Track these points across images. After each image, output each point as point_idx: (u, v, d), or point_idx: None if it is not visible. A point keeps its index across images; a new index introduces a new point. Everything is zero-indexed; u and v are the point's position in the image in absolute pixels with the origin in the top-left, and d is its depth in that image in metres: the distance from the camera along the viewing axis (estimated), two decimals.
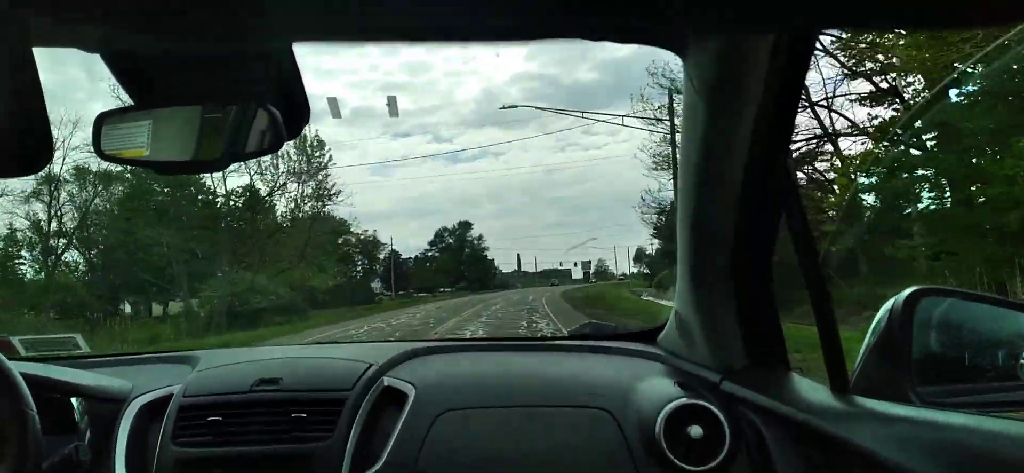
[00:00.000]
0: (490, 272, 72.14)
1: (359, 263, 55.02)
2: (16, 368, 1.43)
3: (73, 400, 1.69)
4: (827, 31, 1.04)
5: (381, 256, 59.69)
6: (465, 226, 71.56)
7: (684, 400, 1.56)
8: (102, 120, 0.91)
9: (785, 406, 1.40)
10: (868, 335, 1.30)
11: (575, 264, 75.34)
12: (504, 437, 1.63)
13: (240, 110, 0.88)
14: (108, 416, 1.73)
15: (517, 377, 1.86)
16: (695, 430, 1.52)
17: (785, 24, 1.00)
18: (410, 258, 66.55)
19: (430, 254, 70.50)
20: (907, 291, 1.28)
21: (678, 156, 1.50)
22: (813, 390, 1.38)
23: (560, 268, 77.32)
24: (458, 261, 69.59)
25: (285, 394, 1.71)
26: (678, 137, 1.54)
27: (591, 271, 77.24)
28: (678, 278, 1.72)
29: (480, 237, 72.42)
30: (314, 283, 29.73)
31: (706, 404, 1.54)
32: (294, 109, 0.90)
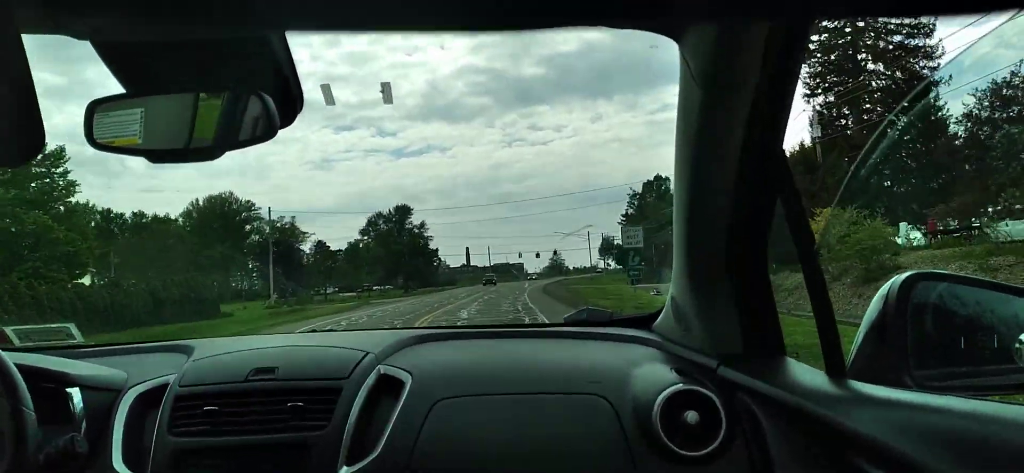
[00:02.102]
0: (432, 266, 62.32)
1: (278, 257, 47.30)
2: (11, 359, 1.43)
3: (69, 390, 1.69)
4: (822, 19, 1.03)
5: (305, 248, 51.70)
6: (403, 211, 61.73)
7: (680, 386, 1.56)
8: (94, 108, 0.90)
9: (781, 391, 1.41)
10: (864, 320, 1.30)
11: (538, 255, 70.24)
12: (500, 424, 1.63)
13: (233, 98, 0.88)
14: (104, 406, 1.73)
15: (513, 364, 1.86)
16: (691, 416, 1.53)
17: (780, 12, 0.99)
18: (338, 250, 57.54)
19: (362, 244, 60.27)
20: (903, 275, 1.28)
21: (674, 143, 1.49)
22: (809, 375, 1.38)
23: (513, 262, 70.68)
24: (394, 253, 58.94)
25: (281, 383, 1.70)
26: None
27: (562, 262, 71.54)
28: (674, 264, 1.72)
29: (422, 225, 62.69)
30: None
31: (702, 390, 1.55)
32: (288, 97, 0.90)
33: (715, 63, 1.23)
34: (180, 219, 47.39)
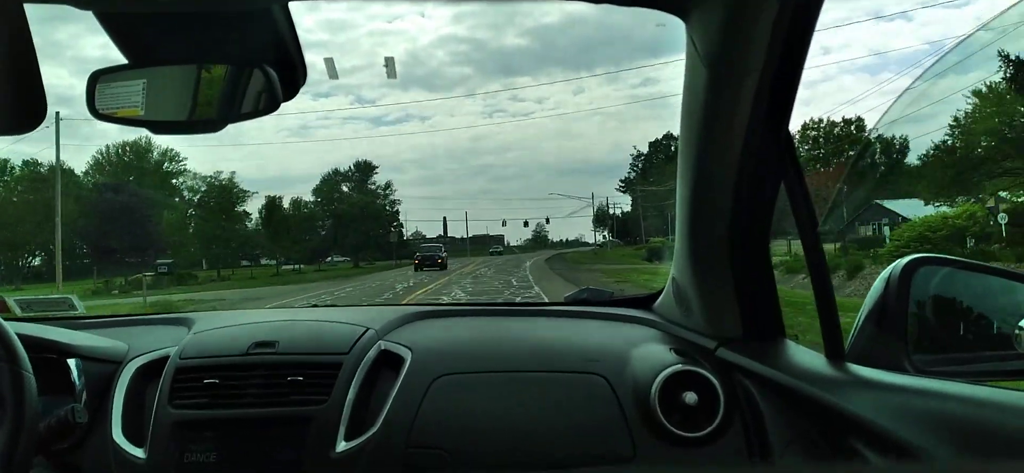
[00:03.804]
0: (389, 233, 49.07)
1: (220, 219, 38.44)
2: (12, 328, 1.43)
3: (69, 361, 1.69)
4: None
5: (249, 210, 41.71)
6: (365, 168, 51.33)
7: (679, 367, 1.56)
8: (96, 78, 0.90)
9: (780, 374, 1.41)
10: (865, 303, 1.30)
11: (526, 224, 63.03)
12: (499, 401, 1.64)
13: (236, 70, 0.87)
14: (104, 377, 1.73)
15: (513, 342, 1.87)
16: (690, 396, 1.53)
17: None
18: (242, 211, 43.06)
19: (314, 205, 47.49)
20: (904, 260, 1.28)
21: (679, 122, 1.49)
22: (808, 358, 1.38)
23: (494, 233, 64.71)
24: (338, 214, 46.70)
25: (281, 357, 1.71)
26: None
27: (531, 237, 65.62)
28: (676, 245, 1.72)
29: (388, 186, 51.70)
30: None
31: (701, 371, 1.55)
32: (291, 70, 0.89)
33: (722, 43, 1.22)
34: (88, 171, 38.89)
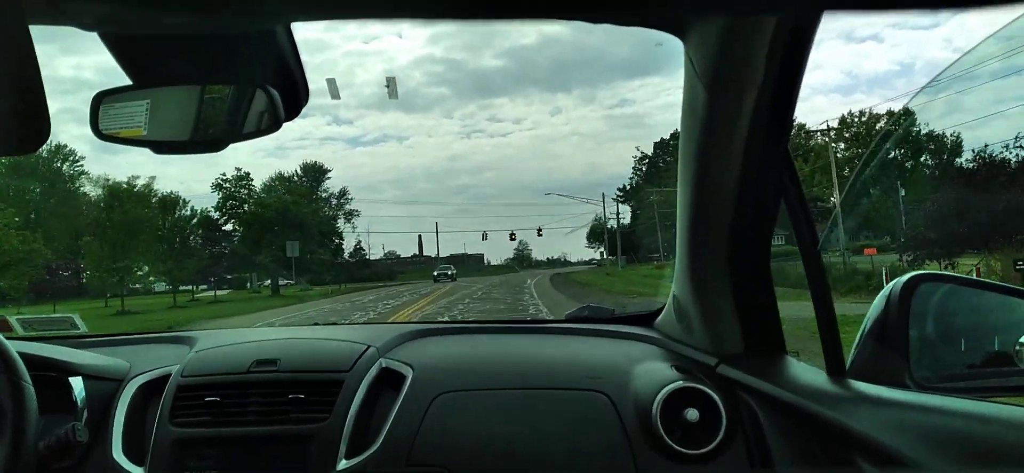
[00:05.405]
0: (330, 249, 40.07)
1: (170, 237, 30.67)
2: (13, 347, 1.43)
3: (71, 380, 1.69)
4: (830, 12, 1.02)
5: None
6: (315, 173, 43.91)
7: (681, 383, 1.56)
8: (100, 99, 0.91)
9: (781, 390, 1.41)
10: (866, 320, 1.30)
11: (512, 237, 59.19)
12: (501, 419, 1.64)
13: (238, 91, 0.88)
14: (106, 396, 1.73)
15: (514, 359, 1.86)
16: (691, 413, 1.53)
17: (786, 7, 0.99)
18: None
19: (221, 206, 36.65)
20: (905, 277, 1.29)
21: (678, 141, 1.49)
22: (809, 374, 1.38)
23: (469, 254, 60.38)
24: (248, 222, 34.93)
25: (283, 375, 1.71)
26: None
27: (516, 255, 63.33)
28: (677, 262, 1.72)
29: (343, 194, 44.11)
30: None
31: (702, 387, 1.55)
32: (292, 90, 0.90)
33: (720, 60, 1.23)
34: None
